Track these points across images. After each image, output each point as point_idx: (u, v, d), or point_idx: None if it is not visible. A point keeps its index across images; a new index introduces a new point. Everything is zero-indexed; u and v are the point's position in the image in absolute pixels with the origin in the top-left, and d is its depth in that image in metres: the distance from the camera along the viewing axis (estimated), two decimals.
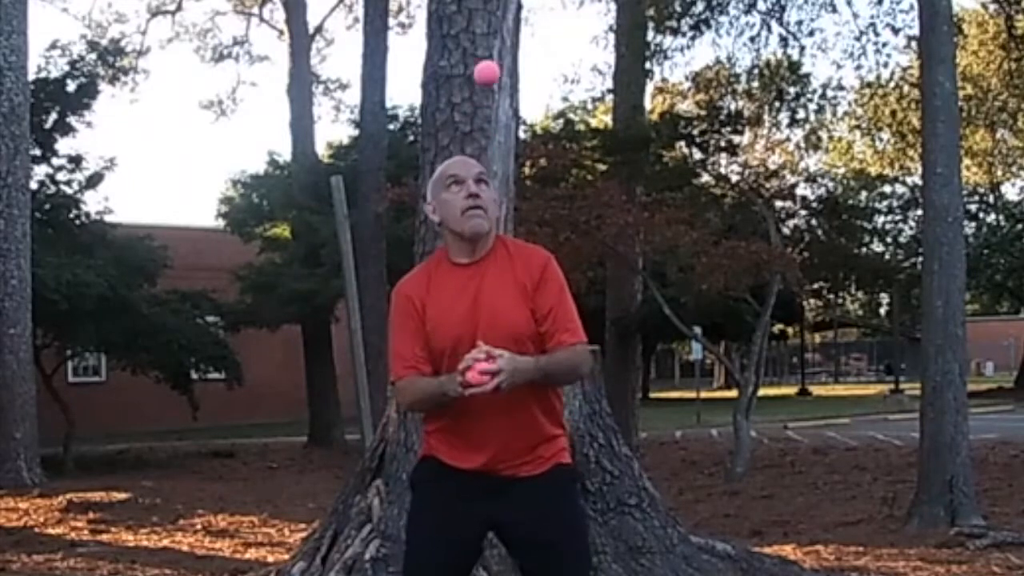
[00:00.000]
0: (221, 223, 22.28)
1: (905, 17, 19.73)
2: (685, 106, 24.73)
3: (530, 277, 3.22)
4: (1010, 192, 38.95)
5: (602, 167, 17.29)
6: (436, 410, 3.26)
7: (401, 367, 3.30)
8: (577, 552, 3.29)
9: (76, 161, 17.30)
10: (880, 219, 37.63)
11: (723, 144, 19.24)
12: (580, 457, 5.50)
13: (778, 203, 18.64)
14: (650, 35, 19.33)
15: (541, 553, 3.21)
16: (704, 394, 27.41)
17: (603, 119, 24.71)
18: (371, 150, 16.60)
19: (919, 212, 28.43)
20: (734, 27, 20.50)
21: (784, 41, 20.75)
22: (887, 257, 37.17)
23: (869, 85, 22.94)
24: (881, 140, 27.52)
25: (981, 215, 39.00)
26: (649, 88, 21.49)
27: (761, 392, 13.79)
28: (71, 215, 17.19)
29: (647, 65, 19.04)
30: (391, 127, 18.84)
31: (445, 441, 3.26)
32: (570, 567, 3.25)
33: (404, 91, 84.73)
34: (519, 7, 6.22)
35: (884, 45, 23.38)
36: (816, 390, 38.84)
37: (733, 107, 21.66)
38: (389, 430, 5.73)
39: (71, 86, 17.04)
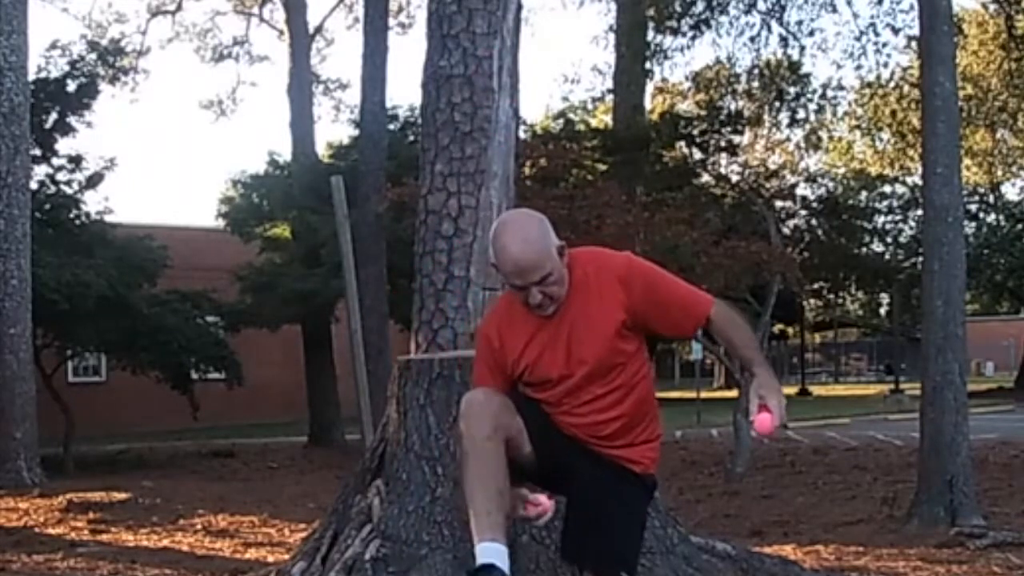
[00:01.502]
0: (221, 223, 22.29)
1: (905, 17, 19.80)
2: (685, 106, 24.76)
3: (621, 290, 3.22)
4: (1010, 192, 39.05)
5: (602, 167, 17.29)
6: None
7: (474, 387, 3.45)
8: (625, 530, 3.34)
9: (76, 161, 17.30)
10: (880, 219, 37.63)
11: (723, 144, 19.28)
12: None
13: (778, 203, 18.70)
14: (650, 35, 19.37)
15: (591, 513, 3.29)
16: (704, 394, 27.39)
17: (603, 119, 24.72)
18: (371, 150, 16.60)
19: (919, 212, 28.43)
20: (734, 27, 20.55)
21: (784, 41, 20.80)
22: (887, 257, 37.17)
23: (869, 85, 22.98)
24: (881, 140, 27.55)
25: (981, 215, 38.97)
26: (649, 88, 21.54)
27: None
28: (71, 215, 17.19)
29: (647, 65, 19.07)
30: (391, 127, 18.84)
31: None
32: (614, 537, 3.31)
33: (404, 91, 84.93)
34: (519, 7, 6.22)
35: (884, 45, 23.48)
36: (816, 390, 38.82)
37: (733, 107, 21.70)
38: (389, 430, 5.73)
39: (71, 86, 17.04)
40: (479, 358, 3.43)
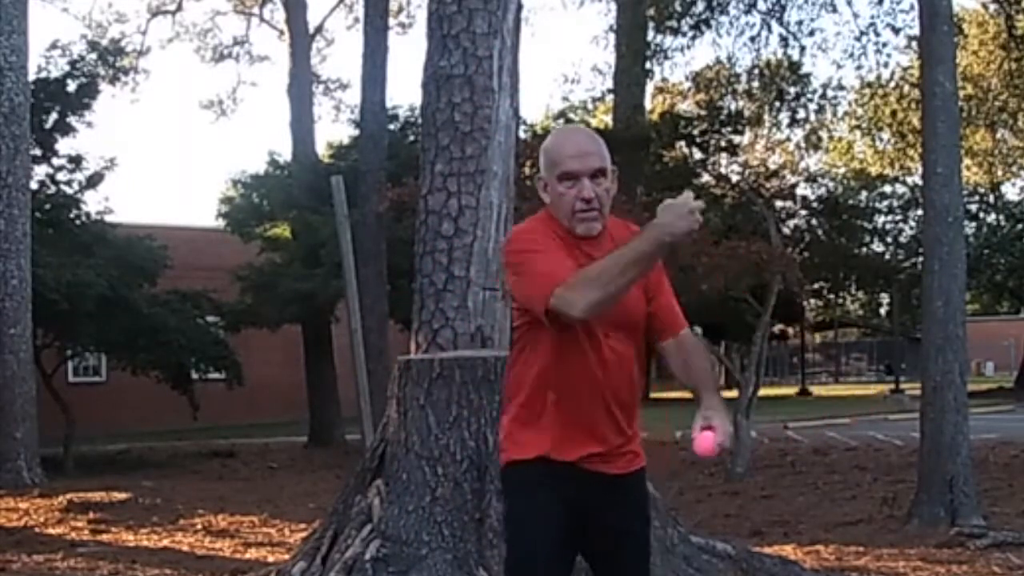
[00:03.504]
0: (221, 223, 22.28)
1: (905, 17, 19.82)
2: (685, 106, 24.77)
3: None
4: (1010, 192, 39.01)
5: None
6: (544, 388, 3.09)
7: (555, 280, 2.92)
8: (646, 538, 3.32)
9: (76, 161, 17.29)
10: (880, 219, 37.63)
11: (723, 144, 19.28)
12: None
13: (778, 203, 18.67)
14: (650, 35, 19.37)
15: (616, 538, 3.21)
16: None
17: (603, 119, 24.71)
18: (371, 150, 16.60)
19: (919, 212, 28.44)
20: (734, 27, 20.56)
21: (784, 41, 20.81)
22: (887, 257, 37.17)
23: (869, 85, 22.98)
24: (881, 140, 27.54)
25: (981, 215, 38.98)
26: (649, 88, 21.54)
27: (761, 392, 13.78)
28: (71, 215, 17.18)
29: (647, 65, 19.08)
30: (391, 127, 18.84)
31: (547, 428, 3.11)
32: (641, 551, 3.28)
33: (404, 91, 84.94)
34: (519, 7, 6.22)
35: (884, 45, 23.48)
36: (816, 390, 38.81)
37: (733, 107, 21.71)
38: (389, 430, 5.73)
39: (71, 86, 17.03)
40: (544, 247, 3.02)
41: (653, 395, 35.77)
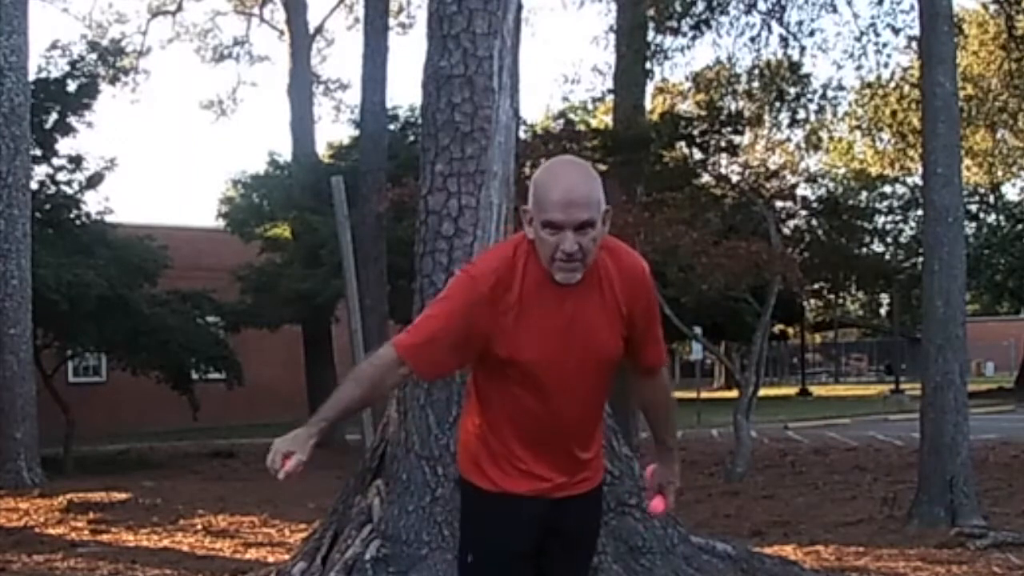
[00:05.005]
0: (221, 223, 22.29)
1: (905, 17, 19.77)
2: (685, 106, 24.75)
3: (630, 294, 3.01)
4: (1010, 192, 38.99)
5: (602, 167, 17.24)
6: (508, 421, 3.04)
7: (411, 345, 2.95)
8: (593, 542, 3.38)
9: (76, 161, 17.29)
10: (880, 219, 37.62)
11: (723, 144, 19.21)
12: None
13: (778, 203, 18.59)
14: (650, 35, 19.31)
15: (567, 541, 3.20)
16: (704, 394, 27.38)
17: (603, 119, 24.70)
18: (371, 150, 16.60)
19: (919, 212, 28.42)
20: (734, 27, 20.50)
21: (784, 41, 20.76)
22: (887, 257, 37.15)
23: (869, 85, 22.95)
24: (881, 140, 27.49)
25: (981, 215, 38.99)
26: (649, 88, 21.48)
27: (761, 392, 13.78)
28: (71, 215, 17.18)
29: (647, 65, 19.01)
30: (391, 127, 18.84)
31: (503, 460, 3.07)
32: (586, 553, 3.33)
33: (404, 91, 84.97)
34: (519, 7, 6.22)
35: (884, 45, 23.42)
36: (816, 390, 38.82)
37: (733, 107, 21.66)
38: (389, 430, 5.73)
39: (71, 86, 17.04)
40: (456, 309, 2.93)
41: None
